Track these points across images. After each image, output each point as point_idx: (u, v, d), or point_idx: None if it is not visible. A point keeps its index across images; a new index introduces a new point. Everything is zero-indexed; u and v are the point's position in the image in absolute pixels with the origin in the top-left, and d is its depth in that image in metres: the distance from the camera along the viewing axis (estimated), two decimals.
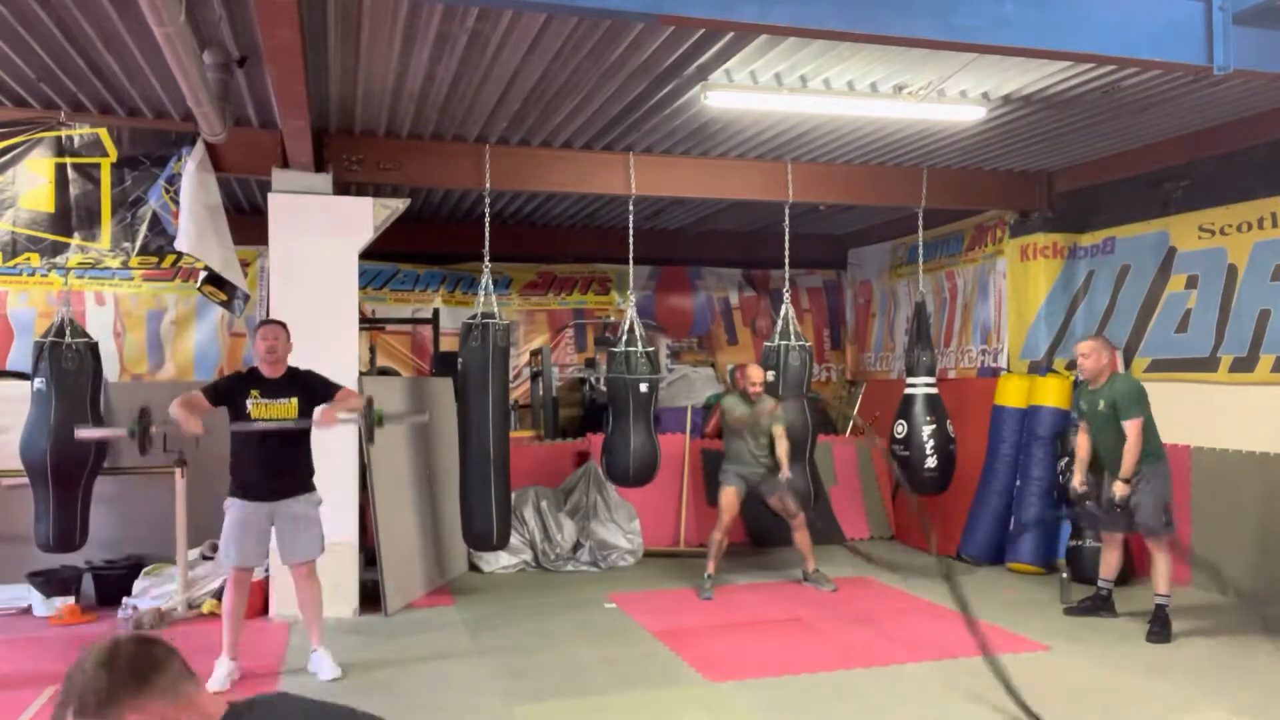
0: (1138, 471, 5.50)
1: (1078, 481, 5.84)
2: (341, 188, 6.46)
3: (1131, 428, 5.46)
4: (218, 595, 5.97)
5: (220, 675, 4.75)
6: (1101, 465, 5.76)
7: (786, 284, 7.55)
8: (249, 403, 4.87)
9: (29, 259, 5.81)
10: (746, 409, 6.72)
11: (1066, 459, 7.03)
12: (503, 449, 6.46)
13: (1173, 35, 4.03)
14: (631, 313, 6.96)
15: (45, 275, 7.72)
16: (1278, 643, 5.30)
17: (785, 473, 6.60)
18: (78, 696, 1.55)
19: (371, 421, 4.85)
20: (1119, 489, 5.50)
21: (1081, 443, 5.85)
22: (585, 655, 5.30)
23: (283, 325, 5.06)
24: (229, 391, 4.91)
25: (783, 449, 6.66)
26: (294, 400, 4.92)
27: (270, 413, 4.89)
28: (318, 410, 4.93)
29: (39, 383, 5.63)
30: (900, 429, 7.44)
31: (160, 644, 1.66)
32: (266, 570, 5.82)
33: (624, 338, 6.88)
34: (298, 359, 5.08)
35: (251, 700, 1.72)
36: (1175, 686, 4.65)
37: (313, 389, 4.99)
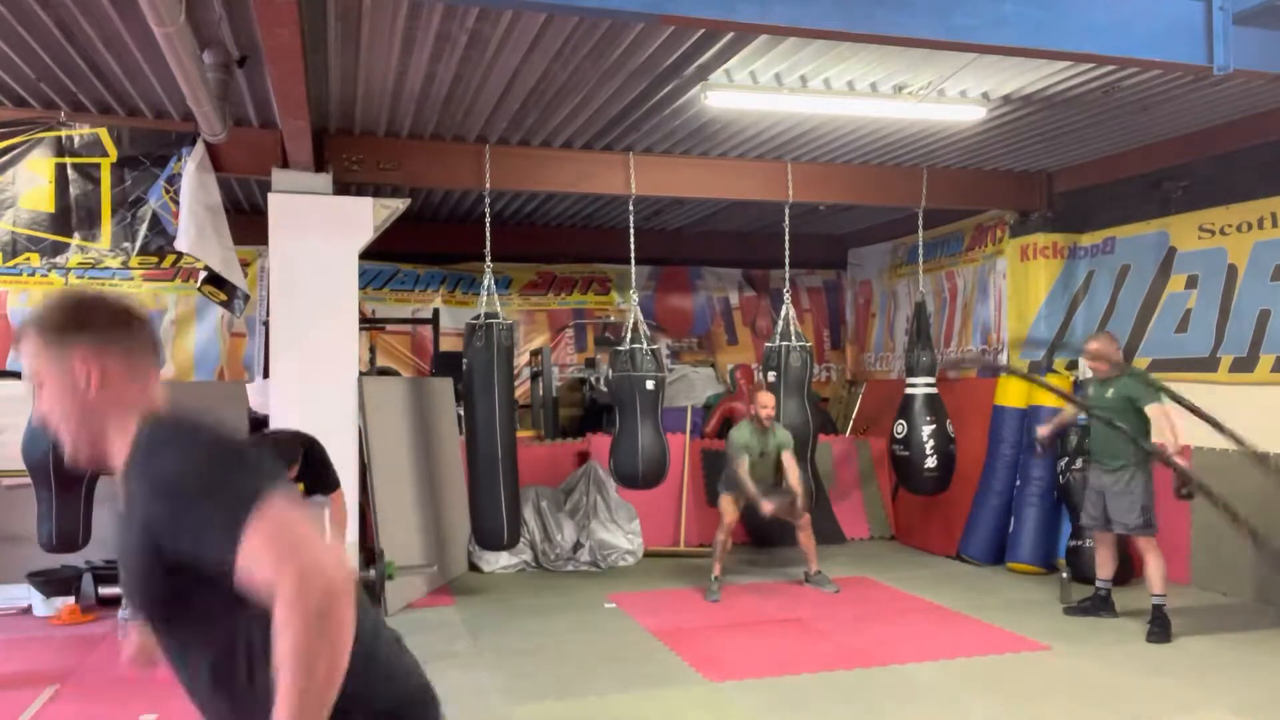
0: (1121, 472, 5.52)
1: (1043, 433, 6.08)
2: (341, 188, 6.45)
3: (1156, 411, 5.44)
4: None
5: None
6: (1093, 458, 5.77)
7: (786, 284, 7.55)
8: None
9: (29, 259, 5.81)
10: (759, 444, 6.61)
11: (1067, 459, 7.04)
12: (510, 448, 6.47)
13: (1173, 35, 4.04)
14: (635, 310, 6.95)
15: (45, 275, 7.72)
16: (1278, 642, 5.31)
17: (800, 503, 6.51)
18: (38, 317, 1.58)
19: (382, 574, 5.15)
20: (1178, 459, 5.28)
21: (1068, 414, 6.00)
22: (585, 655, 5.30)
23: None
24: None
25: (794, 477, 6.57)
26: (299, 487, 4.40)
27: None
28: None
29: None
30: (900, 429, 7.44)
31: (135, 312, 1.66)
32: None
33: (628, 336, 6.87)
34: (299, 361, 4.99)
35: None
36: (1175, 686, 4.65)
37: (318, 475, 4.37)
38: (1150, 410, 5.48)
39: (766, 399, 6.67)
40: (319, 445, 4.39)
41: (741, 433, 6.68)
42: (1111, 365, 5.68)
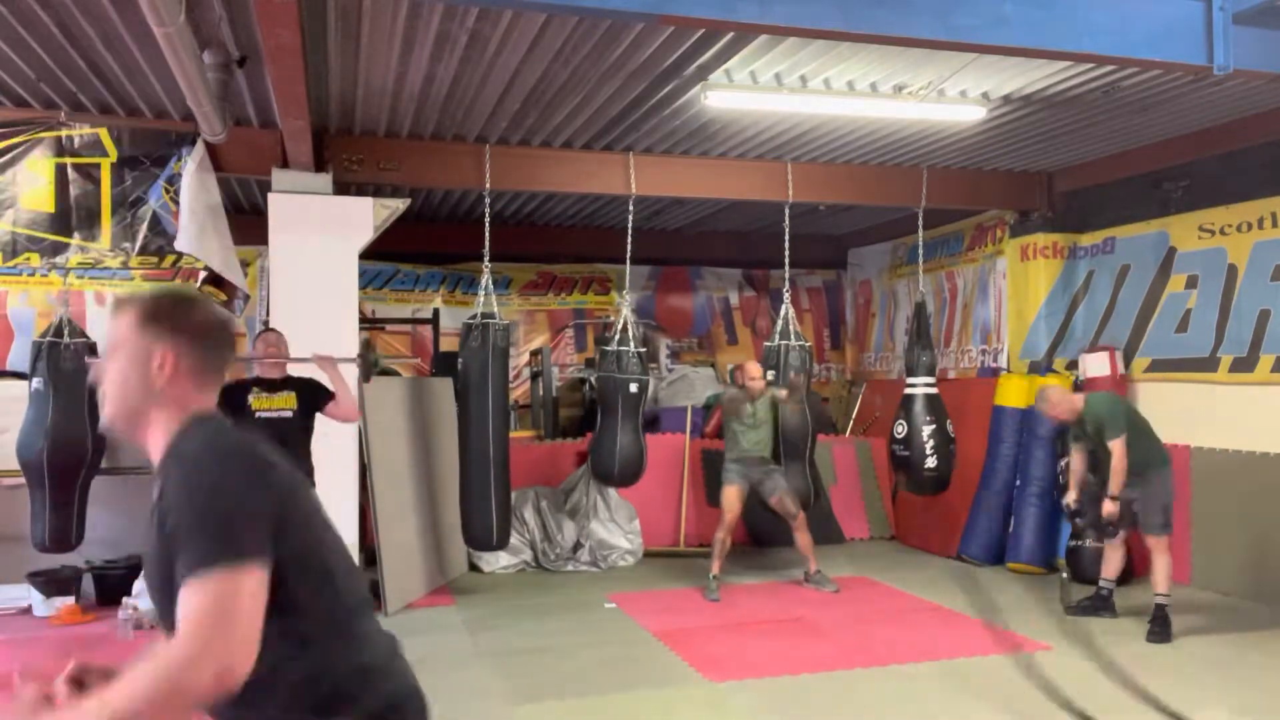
0: (1142, 480, 5.51)
1: (1072, 499, 5.85)
2: (341, 188, 6.46)
3: (1115, 448, 5.47)
4: None
5: None
6: (1104, 477, 5.77)
7: (786, 284, 7.55)
8: (250, 398, 5.10)
9: (29, 259, 5.81)
10: (750, 404, 6.63)
11: (1065, 459, 7.03)
12: (502, 449, 6.46)
13: (1173, 35, 4.04)
14: (626, 312, 6.95)
15: (45, 275, 7.69)
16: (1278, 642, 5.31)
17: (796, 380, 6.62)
18: (146, 299, 1.65)
19: (370, 364, 5.34)
20: (1107, 507, 5.51)
21: (1076, 461, 5.87)
22: (585, 655, 5.30)
23: (281, 334, 5.35)
24: (230, 395, 5.06)
25: (784, 394, 6.63)
26: (293, 394, 5.17)
27: (271, 404, 5.12)
28: (314, 351, 5.19)
29: (37, 383, 5.63)
30: (900, 429, 7.43)
31: (229, 328, 1.77)
32: None
33: (616, 337, 6.87)
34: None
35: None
36: (1175, 687, 4.63)
37: (311, 389, 5.23)
38: (1111, 445, 5.47)
39: (754, 369, 6.66)
40: (314, 384, 5.24)
41: (731, 392, 6.76)
42: (1069, 412, 5.70)
